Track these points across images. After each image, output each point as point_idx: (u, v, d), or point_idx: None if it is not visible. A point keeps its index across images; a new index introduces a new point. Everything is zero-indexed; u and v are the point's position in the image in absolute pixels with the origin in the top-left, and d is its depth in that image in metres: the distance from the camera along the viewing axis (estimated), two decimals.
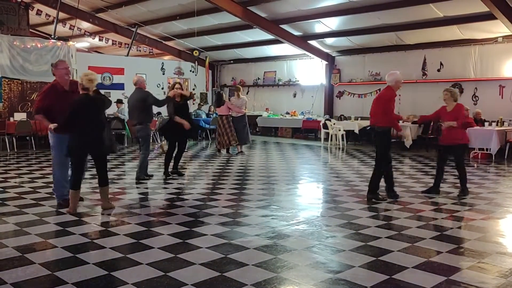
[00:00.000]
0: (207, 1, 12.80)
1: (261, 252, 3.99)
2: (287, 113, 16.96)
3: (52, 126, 5.17)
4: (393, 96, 6.02)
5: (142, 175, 7.47)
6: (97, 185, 5.47)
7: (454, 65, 13.07)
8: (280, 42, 15.54)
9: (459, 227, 4.86)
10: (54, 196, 5.69)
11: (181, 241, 4.27)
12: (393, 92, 6.00)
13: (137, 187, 6.93)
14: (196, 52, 17.63)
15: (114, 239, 4.29)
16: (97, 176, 5.39)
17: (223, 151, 11.34)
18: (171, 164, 7.86)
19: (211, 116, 15.74)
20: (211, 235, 4.46)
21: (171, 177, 7.72)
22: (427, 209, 5.58)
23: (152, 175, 7.67)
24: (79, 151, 5.11)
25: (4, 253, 3.86)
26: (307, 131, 16.18)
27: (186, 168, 8.68)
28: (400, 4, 11.61)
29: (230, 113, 11.17)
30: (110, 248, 4.03)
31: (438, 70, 13.40)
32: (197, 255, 3.87)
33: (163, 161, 7.94)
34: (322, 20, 13.63)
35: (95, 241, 4.26)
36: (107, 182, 5.36)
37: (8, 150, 11.13)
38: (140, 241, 4.24)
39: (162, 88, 18.12)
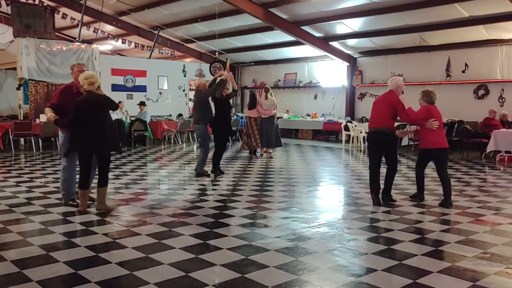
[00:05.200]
0: (228, 3, 12.87)
1: (282, 254, 3.97)
2: (308, 115, 16.89)
3: (52, 116, 5.21)
4: (396, 99, 5.95)
5: (201, 171, 7.93)
6: (120, 185, 5.53)
7: (480, 66, 12.79)
8: (301, 44, 15.49)
9: (485, 232, 4.73)
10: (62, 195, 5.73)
11: (202, 241, 4.28)
12: (395, 96, 5.99)
13: (158, 188, 6.99)
14: (217, 54, 17.72)
15: (136, 239, 4.33)
16: (115, 176, 5.42)
17: (248, 152, 11.27)
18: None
19: (232, 117, 15.76)
20: (232, 236, 4.47)
21: (216, 173, 8.06)
22: (452, 213, 5.46)
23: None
24: (83, 150, 5.16)
25: (30, 252, 3.94)
26: (328, 133, 16.07)
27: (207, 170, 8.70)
28: (424, 4, 11.42)
29: (259, 115, 10.98)
30: (132, 248, 4.06)
31: (463, 71, 13.14)
32: (218, 256, 3.87)
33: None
34: (344, 21, 13.53)
35: (117, 240, 4.31)
36: (106, 183, 5.33)
37: (34, 151, 11.39)
38: (161, 241, 4.27)
39: (184, 90, 18.29)
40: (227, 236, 4.47)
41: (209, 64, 18.71)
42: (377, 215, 5.37)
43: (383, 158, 6.11)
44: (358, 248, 4.13)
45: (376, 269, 3.58)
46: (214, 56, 18.97)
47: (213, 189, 6.93)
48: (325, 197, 6.79)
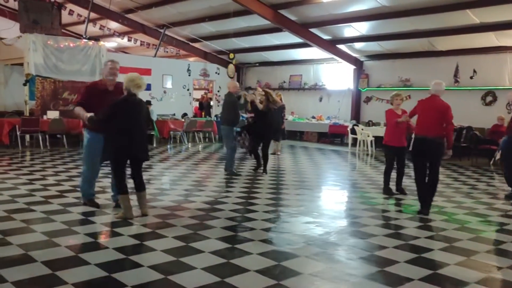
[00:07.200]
0: (238, 4, 12.82)
1: (313, 260, 3.94)
2: (313, 117, 16.86)
3: (88, 115, 5.00)
4: (446, 105, 5.85)
5: (230, 169, 8.27)
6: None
7: (488, 72, 12.81)
8: (308, 46, 15.45)
9: None
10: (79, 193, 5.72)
11: (230, 245, 4.23)
12: (442, 101, 5.91)
13: (174, 189, 6.93)
14: (232, 55, 17.81)
15: (164, 242, 4.28)
16: (129, 176, 5.16)
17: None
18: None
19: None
20: (259, 240, 4.42)
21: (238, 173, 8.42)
22: (474, 221, 5.45)
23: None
24: (121, 155, 4.96)
25: (58, 252, 3.88)
26: (333, 136, 16.06)
27: (218, 172, 8.65)
28: (435, 9, 11.41)
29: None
30: (161, 251, 4.01)
31: (471, 78, 13.14)
32: (249, 261, 3.83)
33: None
34: (353, 24, 13.51)
35: (145, 243, 4.25)
36: (144, 187, 5.23)
37: (41, 148, 11.29)
38: (189, 244, 4.22)
39: (188, 90, 18.22)
40: (254, 240, 4.43)
41: (213, 64, 18.79)
42: (400, 221, 5.35)
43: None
44: (389, 255, 4.09)
45: (413, 279, 3.54)
46: (228, 56, 18.94)
47: (229, 191, 6.87)
48: (342, 201, 6.74)
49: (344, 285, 3.43)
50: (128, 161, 5.13)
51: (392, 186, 6.99)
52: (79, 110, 5.24)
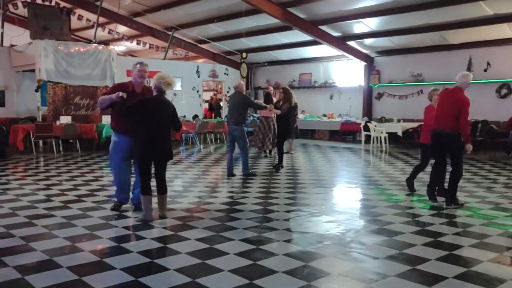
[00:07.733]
0: (247, 3, 12.75)
1: (341, 260, 3.86)
2: (324, 115, 16.75)
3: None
4: (464, 98, 5.77)
5: (248, 171, 8.13)
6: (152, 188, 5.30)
7: (503, 64, 12.61)
8: (317, 44, 15.34)
9: None
10: (115, 199, 5.68)
11: (255, 247, 4.16)
12: (462, 94, 5.80)
13: (191, 191, 6.87)
14: (244, 54, 17.81)
15: (187, 244, 4.21)
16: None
17: (263, 152, 11.24)
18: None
19: (249, 118, 15.63)
20: (283, 241, 4.36)
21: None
22: (501, 216, 5.33)
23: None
24: (146, 155, 4.93)
25: (82, 257, 3.84)
26: (345, 134, 15.93)
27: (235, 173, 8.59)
28: (447, 2, 11.27)
29: (273, 115, 10.89)
30: (186, 253, 3.95)
31: (485, 70, 12.94)
32: (276, 262, 3.76)
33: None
34: (363, 20, 13.38)
35: (168, 245, 4.21)
36: (166, 190, 5.20)
37: (55, 153, 11.30)
38: (213, 246, 4.16)
39: (197, 91, 18.21)
40: (278, 241, 4.36)
41: (222, 65, 18.79)
42: (424, 218, 5.24)
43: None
44: (419, 253, 3.99)
45: (447, 277, 3.44)
46: (227, 57, 18.97)
47: (247, 192, 6.80)
48: (363, 199, 6.61)
49: (377, 284, 3.33)
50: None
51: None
52: (103, 96, 5.21)
